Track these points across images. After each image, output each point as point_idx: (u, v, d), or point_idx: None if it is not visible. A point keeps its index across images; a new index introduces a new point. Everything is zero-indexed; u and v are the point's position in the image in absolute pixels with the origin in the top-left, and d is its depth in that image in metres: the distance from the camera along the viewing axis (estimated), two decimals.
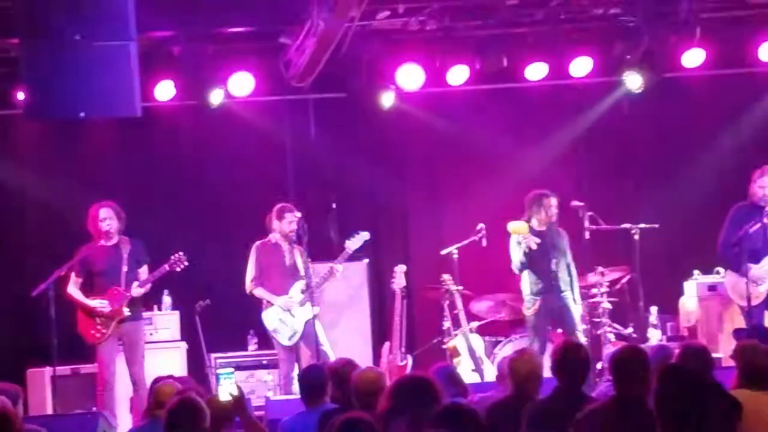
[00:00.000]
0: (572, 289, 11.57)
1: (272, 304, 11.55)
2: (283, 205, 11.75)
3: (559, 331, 11.58)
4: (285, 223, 11.56)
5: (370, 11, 11.83)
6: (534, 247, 11.34)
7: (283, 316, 11.52)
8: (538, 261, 11.44)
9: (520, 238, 11.41)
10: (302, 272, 11.56)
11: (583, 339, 11.25)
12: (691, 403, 4.86)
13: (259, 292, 11.64)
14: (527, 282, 11.52)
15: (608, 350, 11.22)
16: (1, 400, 7.85)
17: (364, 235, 11.86)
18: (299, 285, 11.56)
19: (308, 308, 11.49)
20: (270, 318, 11.59)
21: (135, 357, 11.19)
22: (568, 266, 11.56)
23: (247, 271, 11.67)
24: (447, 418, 5.30)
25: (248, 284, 11.66)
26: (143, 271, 11.27)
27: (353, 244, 11.81)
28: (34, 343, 12.24)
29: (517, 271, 11.64)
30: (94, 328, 11.11)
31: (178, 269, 11.34)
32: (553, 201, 11.60)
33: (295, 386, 10.26)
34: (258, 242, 11.72)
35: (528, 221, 11.58)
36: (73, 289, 11.19)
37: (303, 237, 11.35)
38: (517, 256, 11.52)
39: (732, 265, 11.51)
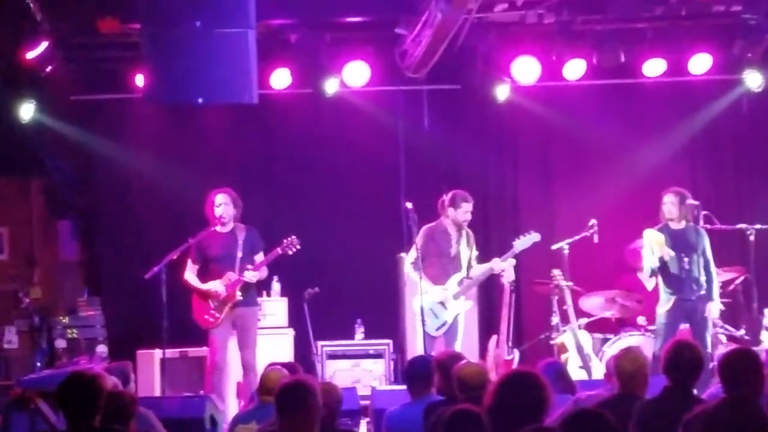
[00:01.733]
0: (709, 289, 11.36)
1: (426, 292, 11.28)
2: (458, 192, 11.52)
3: (685, 326, 11.37)
4: (460, 211, 11.39)
5: (488, 3, 11.81)
6: (667, 258, 11.17)
7: (435, 307, 11.31)
8: (670, 261, 11.26)
9: (655, 247, 11.22)
10: (464, 263, 11.46)
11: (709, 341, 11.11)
12: None
13: (415, 276, 11.33)
14: (662, 280, 11.37)
15: (720, 351, 11.08)
16: (113, 381, 7.99)
17: (535, 237, 11.55)
18: (458, 277, 11.41)
19: (462, 301, 11.42)
20: (420, 305, 11.46)
21: (247, 341, 11.24)
22: (706, 266, 11.36)
23: (409, 251, 11.49)
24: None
25: (407, 264, 11.46)
26: (258, 258, 11.31)
27: (522, 244, 11.53)
28: (145, 325, 12.44)
29: (647, 277, 11.48)
30: (207, 313, 11.19)
31: (290, 252, 11.37)
32: (668, 198, 11.40)
33: None
34: (426, 226, 11.45)
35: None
36: (190, 275, 11.26)
37: (413, 227, 11.32)
38: (648, 263, 11.35)
39: None
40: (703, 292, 11.27)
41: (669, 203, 11.37)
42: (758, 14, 12.20)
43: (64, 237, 13.78)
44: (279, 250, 11.33)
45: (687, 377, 6.76)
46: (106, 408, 6.22)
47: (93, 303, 13.00)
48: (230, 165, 13.39)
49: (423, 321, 11.20)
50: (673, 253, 11.18)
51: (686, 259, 11.19)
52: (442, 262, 11.37)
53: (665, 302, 11.28)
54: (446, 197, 11.49)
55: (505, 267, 11.52)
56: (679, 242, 11.26)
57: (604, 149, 13.44)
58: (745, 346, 7.63)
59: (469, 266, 11.50)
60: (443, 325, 11.33)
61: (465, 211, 11.40)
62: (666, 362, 6.81)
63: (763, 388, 6.10)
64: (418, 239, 11.33)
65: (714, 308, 11.34)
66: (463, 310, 11.46)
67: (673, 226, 11.34)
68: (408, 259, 11.43)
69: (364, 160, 13.56)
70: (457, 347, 11.20)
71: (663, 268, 11.26)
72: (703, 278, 11.30)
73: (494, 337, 12.02)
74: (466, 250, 11.47)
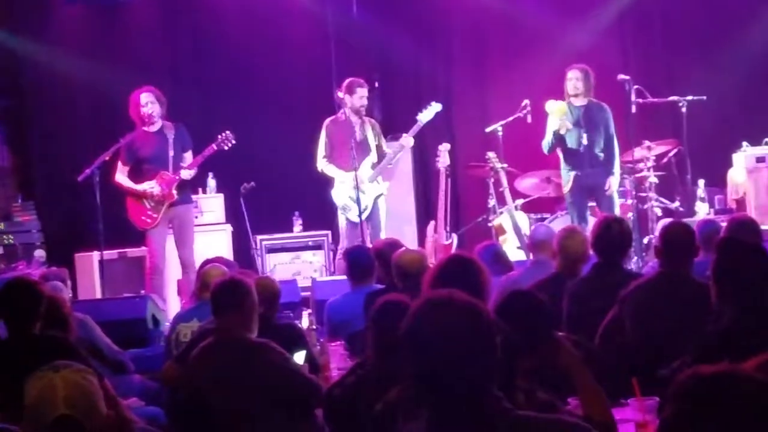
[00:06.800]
0: (610, 163, 11.33)
1: (342, 181, 11.39)
2: (353, 79, 11.54)
3: (591, 204, 11.41)
4: (356, 97, 11.40)
5: None
6: (563, 132, 11.14)
7: (353, 193, 11.30)
8: (569, 137, 11.25)
9: (555, 119, 11.20)
10: (372, 147, 11.47)
11: (629, 214, 11.15)
12: (752, 272, 4.86)
13: (329, 170, 11.42)
14: (562, 157, 11.38)
15: (655, 224, 11.19)
16: (53, 285, 7.91)
17: (436, 107, 11.64)
18: (369, 160, 11.42)
19: (378, 184, 11.45)
20: (339, 195, 11.39)
21: (185, 239, 11.17)
22: (608, 142, 11.34)
23: (318, 149, 11.47)
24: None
25: (319, 161, 11.45)
26: (188, 156, 11.17)
27: (425, 116, 11.61)
28: (82, 228, 12.36)
29: (545, 151, 11.42)
30: (144, 214, 11.07)
31: (225, 147, 11.23)
32: (572, 74, 11.33)
33: None
34: (328, 119, 11.50)
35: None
36: (121, 177, 11.12)
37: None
38: (548, 136, 11.33)
39: None
40: (601, 168, 11.26)
41: (574, 79, 11.29)
42: None
43: None
44: (214, 146, 11.19)
45: (616, 252, 6.79)
46: (45, 315, 6.17)
47: (28, 208, 12.87)
48: (159, 61, 13.21)
49: (346, 210, 11.37)
50: (570, 127, 11.15)
51: (585, 135, 11.18)
52: (349, 149, 11.34)
53: (567, 181, 11.26)
54: (342, 86, 11.50)
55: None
56: (581, 118, 11.24)
57: (535, 28, 13.37)
58: (679, 220, 7.67)
59: (379, 151, 11.49)
60: (364, 209, 11.32)
61: (360, 96, 11.42)
62: (595, 239, 6.82)
63: (693, 259, 6.18)
64: (322, 134, 11.42)
65: (614, 182, 11.32)
66: (382, 192, 11.48)
67: (576, 102, 11.31)
68: (319, 155, 11.44)
69: (294, 49, 13.43)
70: (382, 231, 11.25)
71: (562, 144, 11.24)
72: (602, 155, 11.28)
73: (432, 223, 12.05)
74: (371, 135, 11.47)
